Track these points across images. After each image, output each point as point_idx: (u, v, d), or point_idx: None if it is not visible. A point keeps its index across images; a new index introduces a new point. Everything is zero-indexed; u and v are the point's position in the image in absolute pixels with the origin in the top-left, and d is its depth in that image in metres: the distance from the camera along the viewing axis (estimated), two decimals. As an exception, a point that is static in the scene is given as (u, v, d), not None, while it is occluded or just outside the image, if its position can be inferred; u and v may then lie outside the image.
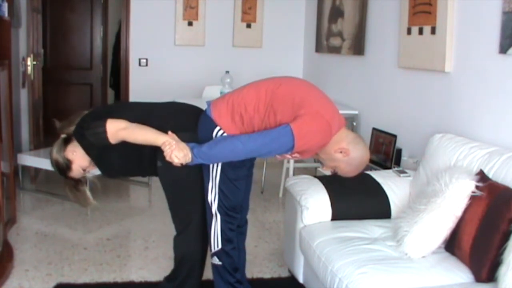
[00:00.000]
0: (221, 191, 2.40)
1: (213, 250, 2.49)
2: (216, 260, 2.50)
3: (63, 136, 2.50)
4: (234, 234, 2.51)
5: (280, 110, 2.25)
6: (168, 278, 2.68)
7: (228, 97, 2.39)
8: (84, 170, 2.50)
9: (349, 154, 2.30)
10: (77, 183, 2.57)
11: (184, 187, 2.49)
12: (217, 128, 2.32)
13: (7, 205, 3.62)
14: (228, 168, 2.38)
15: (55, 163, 2.48)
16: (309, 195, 2.78)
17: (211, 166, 2.39)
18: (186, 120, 2.46)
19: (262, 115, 2.28)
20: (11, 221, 3.78)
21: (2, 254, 3.14)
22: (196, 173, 2.45)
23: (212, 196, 2.42)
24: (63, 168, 2.47)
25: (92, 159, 2.46)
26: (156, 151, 2.36)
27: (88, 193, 2.62)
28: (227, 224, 2.46)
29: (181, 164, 2.28)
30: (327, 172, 2.54)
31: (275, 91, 2.29)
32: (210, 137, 2.33)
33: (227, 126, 2.31)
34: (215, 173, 2.39)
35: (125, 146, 2.37)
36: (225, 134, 2.32)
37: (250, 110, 2.29)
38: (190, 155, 2.26)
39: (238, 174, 2.43)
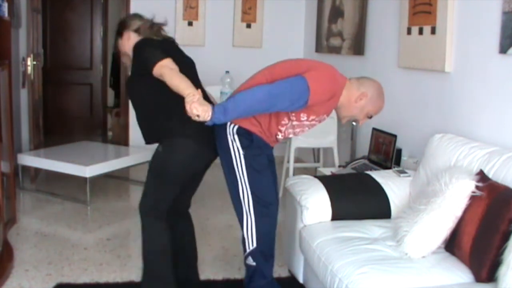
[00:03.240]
0: (251, 182, 2.44)
1: (247, 250, 2.48)
2: (250, 261, 2.50)
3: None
4: (274, 230, 2.54)
5: None
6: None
7: (232, 96, 2.51)
8: (123, 52, 2.70)
9: (367, 95, 2.47)
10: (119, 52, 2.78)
11: (170, 174, 2.54)
12: (230, 124, 2.44)
13: (7, 205, 3.62)
14: (251, 160, 2.43)
15: (119, 22, 2.77)
16: (309, 195, 2.77)
17: (235, 163, 2.44)
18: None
19: None
20: (11, 221, 3.78)
21: (2, 254, 3.15)
22: (189, 171, 2.54)
23: (244, 191, 2.45)
24: (117, 32, 2.72)
25: (132, 64, 2.57)
26: (167, 129, 2.45)
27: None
28: (264, 219, 2.47)
29: (198, 116, 2.26)
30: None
31: (272, 71, 2.47)
32: (225, 135, 2.44)
33: (237, 119, 2.42)
34: (241, 169, 2.44)
35: (158, 94, 2.44)
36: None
37: None
38: (210, 112, 2.27)
39: (261, 162, 2.48)
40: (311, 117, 2.46)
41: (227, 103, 2.35)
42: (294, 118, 2.46)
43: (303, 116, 2.45)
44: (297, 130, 2.53)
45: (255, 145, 2.45)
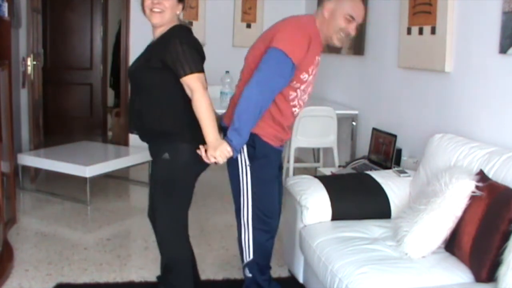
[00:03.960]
0: (254, 194, 2.40)
1: (244, 261, 2.47)
2: (247, 272, 2.49)
3: None
4: (271, 243, 2.50)
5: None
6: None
7: (229, 104, 2.49)
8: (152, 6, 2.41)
9: (332, 2, 2.39)
10: None
11: (179, 187, 2.39)
12: None
13: (7, 205, 3.62)
14: (257, 171, 2.38)
15: None
16: (309, 195, 2.77)
17: (241, 175, 2.39)
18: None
19: None
20: (11, 221, 3.78)
21: (2, 254, 3.15)
22: (197, 174, 2.45)
23: (245, 203, 2.41)
24: None
25: (153, 47, 2.36)
26: (173, 132, 2.29)
27: None
28: (262, 232, 2.44)
29: (215, 162, 2.21)
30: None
31: (247, 62, 2.46)
32: None
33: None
34: (246, 181, 2.39)
35: (176, 98, 2.26)
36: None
37: None
38: (228, 148, 2.19)
39: (268, 173, 2.44)
40: (310, 69, 2.39)
41: (234, 124, 2.24)
42: (298, 85, 2.38)
43: (304, 76, 2.37)
44: (309, 89, 2.47)
45: (260, 153, 2.38)
